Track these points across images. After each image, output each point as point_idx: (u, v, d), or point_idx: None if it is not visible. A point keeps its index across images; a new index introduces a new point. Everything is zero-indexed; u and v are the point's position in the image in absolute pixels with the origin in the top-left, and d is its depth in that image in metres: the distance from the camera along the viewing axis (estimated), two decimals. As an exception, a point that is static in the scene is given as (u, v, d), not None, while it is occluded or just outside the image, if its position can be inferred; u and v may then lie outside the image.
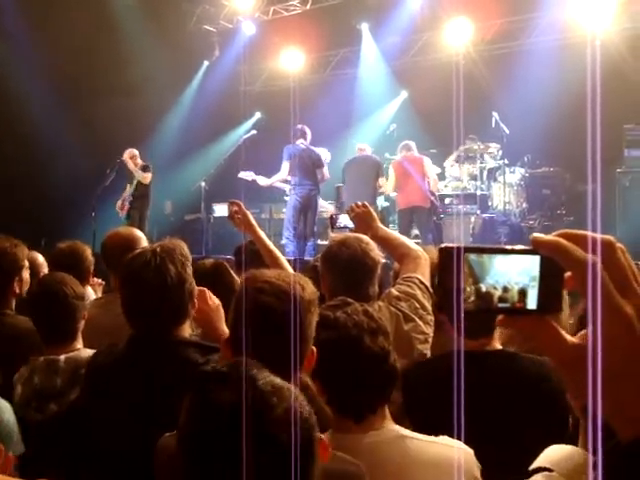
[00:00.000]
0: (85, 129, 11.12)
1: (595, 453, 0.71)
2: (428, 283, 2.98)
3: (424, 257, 3.08)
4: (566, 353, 0.76)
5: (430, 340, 2.87)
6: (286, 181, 9.73)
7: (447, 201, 10.67)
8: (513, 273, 0.78)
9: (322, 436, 1.37)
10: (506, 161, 10.75)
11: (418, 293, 2.92)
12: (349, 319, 2.03)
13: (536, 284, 0.77)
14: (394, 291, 2.95)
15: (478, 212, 10.34)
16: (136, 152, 10.41)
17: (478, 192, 10.61)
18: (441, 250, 0.79)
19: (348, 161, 10.21)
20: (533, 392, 2.43)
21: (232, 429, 1.19)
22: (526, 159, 11.01)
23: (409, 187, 9.76)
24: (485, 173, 11.02)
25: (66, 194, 10.96)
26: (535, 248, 0.76)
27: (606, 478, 0.72)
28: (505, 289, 0.78)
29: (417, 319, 2.86)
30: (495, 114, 10.50)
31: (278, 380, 1.28)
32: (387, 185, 10.13)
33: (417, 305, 2.89)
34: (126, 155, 10.26)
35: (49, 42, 10.51)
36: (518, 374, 2.46)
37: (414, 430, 2.08)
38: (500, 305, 0.78)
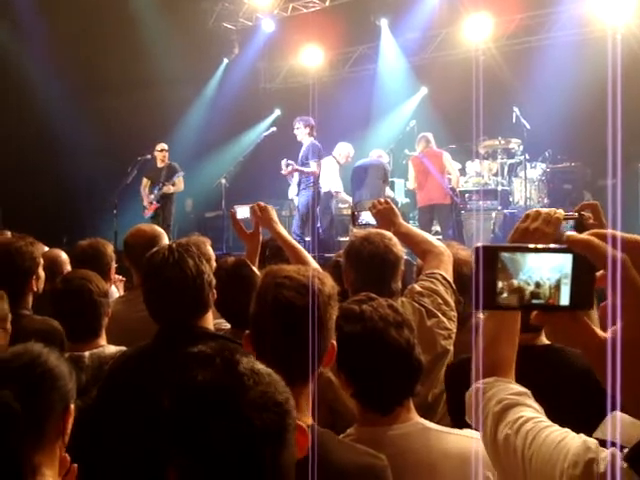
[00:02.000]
0: (106, 127, 11.19)
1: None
2: (451, 279, 2.96)
3: (447, 253, 3.06)
4: (598, 348, 0.78)
5: (453, 336, 2.86)
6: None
7: (468, 197, 10.62)
8: (545, 269, 0.80)
9: (301, 423, 1.37)
10: (527, 156, 10.67)
11: (441, 289, 2.91)
12: (375, 312, 2.04)
13: (568, 281, 0.80)
14: (417, 287, 2.94)
15: (499, 208, 10.28)
16: (165, 146, 10.41)
17: (499, 188, 10.55)
18: (476, 250, 0.83)
19: (357, 165, 9.97)
20: (583, 386, 2.39)
21: (208, 407, 1.21)
22: (547, 154, 10.93)
23: (428, 185, 9.70)
24: (506, 168, 10.97)
25: (87, 191, 11.04)
26: (569, 246, 0.79)
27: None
28: (537, 284, 0.80)
29: (440, 315, 2.84)
30: (516, 109, 10.43)
31: (261, 366, 1.29)
32: (408, 181, 10.12)
33: (440, 301, 2.87)
34: (157, 148, 10.27)
35: (68, 39, 10.60)
36: (568, 368, 2.42)
37: (456, 425, 2.08)
38: (534, 301, 0.80)
